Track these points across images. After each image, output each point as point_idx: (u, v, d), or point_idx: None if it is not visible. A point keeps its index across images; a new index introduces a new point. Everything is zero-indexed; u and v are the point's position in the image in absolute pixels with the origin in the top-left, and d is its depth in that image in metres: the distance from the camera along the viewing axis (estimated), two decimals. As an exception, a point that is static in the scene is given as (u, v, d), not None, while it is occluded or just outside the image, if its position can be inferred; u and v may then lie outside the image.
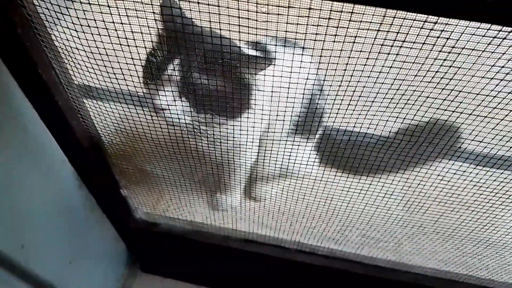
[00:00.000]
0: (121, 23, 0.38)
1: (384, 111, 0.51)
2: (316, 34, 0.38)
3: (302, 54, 0.43)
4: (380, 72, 0.44)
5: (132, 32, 0.40)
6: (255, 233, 0.86)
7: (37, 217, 0.54)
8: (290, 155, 0.65)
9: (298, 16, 0.37)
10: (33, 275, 0.54)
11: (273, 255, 0.85)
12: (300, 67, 0.42)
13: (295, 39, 0.45)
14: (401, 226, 0.78)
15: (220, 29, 0.38)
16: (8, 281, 0.51)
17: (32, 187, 0.52)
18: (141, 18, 0.39)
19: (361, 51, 0.39)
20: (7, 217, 0.48)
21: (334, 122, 0.55)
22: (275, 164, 0.72)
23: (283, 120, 0.54)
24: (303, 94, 0.62)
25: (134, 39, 0.41)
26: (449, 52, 0.40)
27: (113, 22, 0.38)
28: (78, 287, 0.71)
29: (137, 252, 0.96)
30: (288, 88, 0.46)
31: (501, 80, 0.43)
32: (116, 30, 0.39)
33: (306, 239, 0.84)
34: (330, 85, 0.48)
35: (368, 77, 0.44)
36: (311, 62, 0.65)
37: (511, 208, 0.66)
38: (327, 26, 0.37)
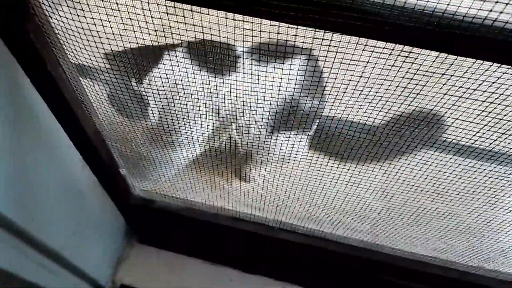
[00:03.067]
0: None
1: (371, 102, 0.55)
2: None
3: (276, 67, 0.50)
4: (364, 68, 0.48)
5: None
6: (242, 212, 0.94)
7: (46, 194, 0.61)
8: (280, 147, 0.72)
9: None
10: (42, 244, 0.62)
11: (258, 232, 0.93)
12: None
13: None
14: (378, 212, 0.85)
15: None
16: (21, 249, 0.59)
17: (42, 168, 0.59)
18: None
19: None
20: (21, 193, 0.55)
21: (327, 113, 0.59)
22: (264, 151, 0.80)
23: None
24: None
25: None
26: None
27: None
28: (81, 255, 0.79)
29: (135, 225, 1.04)
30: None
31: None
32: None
33: (288, 219, 0.92)
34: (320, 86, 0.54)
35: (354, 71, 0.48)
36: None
37: (480, 197, 0.72)
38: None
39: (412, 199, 0.79)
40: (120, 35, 0.48)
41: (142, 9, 0.43)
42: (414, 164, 0.71)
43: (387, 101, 0.55)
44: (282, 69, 0.54)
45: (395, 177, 0.75)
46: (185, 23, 0.45)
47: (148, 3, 0.43)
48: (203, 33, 0.46)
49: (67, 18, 0.45)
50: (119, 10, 0.45)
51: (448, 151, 0.67)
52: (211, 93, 0.74)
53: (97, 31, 0.48)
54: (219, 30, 0.44)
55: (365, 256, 0.90)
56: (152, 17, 0.43)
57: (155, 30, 0.46)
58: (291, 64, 0.57)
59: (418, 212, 0.82)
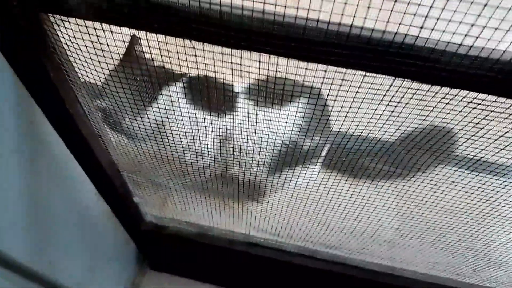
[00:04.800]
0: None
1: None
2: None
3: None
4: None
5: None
6: (257, 237, 0.92)
7: (62, 233, 0.59)
8: (292, 176, 0.70)
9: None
10: (59, 285, 0.60)
11: (274, 257, 0.91)
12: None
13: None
14: (397, 232, 0.83)
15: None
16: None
17: (58, 207, 0.57)
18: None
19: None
20: (38, 237, 0.52)
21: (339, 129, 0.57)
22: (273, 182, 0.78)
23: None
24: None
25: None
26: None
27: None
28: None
29: (147, 252, 1.01)
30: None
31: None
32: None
33: (306, 244, 0.90)
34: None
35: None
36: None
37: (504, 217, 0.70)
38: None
39: (429, 219, 0.77)
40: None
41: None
42: (430, 182, 0.70)
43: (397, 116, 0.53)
44: (286, 110, 0.53)
45: (410, 196, 0.72)
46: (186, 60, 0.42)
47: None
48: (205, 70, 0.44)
49: (89, 53, 0.43)
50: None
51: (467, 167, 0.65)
52: (212, 130, 0.72)
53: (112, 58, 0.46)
54: (220, 67, 0.42)
55: (386, 280, 0.87)
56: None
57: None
58: (295, 105, 0.56)
59: (437, 233, 0.80)
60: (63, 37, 0.44)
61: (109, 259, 0.82)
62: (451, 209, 0.73)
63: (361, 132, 0.54)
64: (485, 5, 0.29)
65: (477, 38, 0.31)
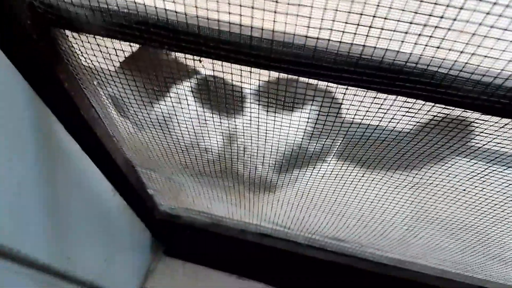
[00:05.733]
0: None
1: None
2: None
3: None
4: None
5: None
6: (269, 228, 0.93)
7: (79, 230, 0.61)
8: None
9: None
10: (77, 278, 0.63)
11: (285, 248, 0.93)
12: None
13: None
14: (409, 228, 0.83)
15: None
16: (58, 284, 0.59)
17: (76, 206, 0.59)
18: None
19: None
20: (57, 237, 0.55)
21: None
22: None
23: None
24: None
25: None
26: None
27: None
28: (111, 277, 0.80)
29: (162, 239, 1.05)
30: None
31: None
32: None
33: (316, 236, 0.91)
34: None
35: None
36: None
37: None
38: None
39: (442, 212, 0.77)
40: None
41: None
42: (445, 173, 0.69)
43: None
44: (297, 115, 0.52)
45: (424, 188, 0.72)
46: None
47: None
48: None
49: (104, 59, 0.44)
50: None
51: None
52: (219, 129, 0.72)
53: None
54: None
55: (395, 274, 0.88)
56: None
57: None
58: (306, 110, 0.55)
59: (451, 228, 0.80)
60: (76, 48, 0.44)
61: (126, 248, 0.86)
62: (466, 203, 0.72)
63: (374, 122, 0.53)
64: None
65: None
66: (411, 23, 0.29)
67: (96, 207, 0.65)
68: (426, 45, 0.29)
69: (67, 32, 0.42)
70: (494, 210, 0.71)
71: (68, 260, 0.58)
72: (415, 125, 0.54)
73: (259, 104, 0.71)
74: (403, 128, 0.55)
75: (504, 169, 0.60)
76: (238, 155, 0.78)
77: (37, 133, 0.47)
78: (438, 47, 0.29)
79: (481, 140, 0.53)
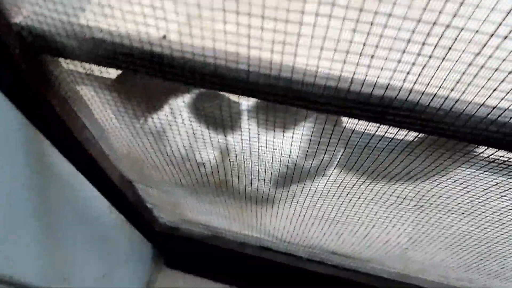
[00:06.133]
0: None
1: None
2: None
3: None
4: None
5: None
6: (269, 241, 0.93)
7: (75, 249, 0.61)
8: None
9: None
10: (74, 296, 0.62)
11: (285, 262, 0.92)
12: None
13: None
14: (411, 239, 0.82)
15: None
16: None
17: (71, 225, 0.59)
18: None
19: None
20: (51, 258, 0.55)
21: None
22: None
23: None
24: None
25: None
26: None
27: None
28: (111, 291, 0.80)
29: (162, 250, 1.05)
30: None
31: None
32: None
33: (317, 249, 0.90)
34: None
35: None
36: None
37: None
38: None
39: (445, 223, 0.76)
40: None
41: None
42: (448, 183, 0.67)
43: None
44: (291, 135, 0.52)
45: (427, 198, 0.71)
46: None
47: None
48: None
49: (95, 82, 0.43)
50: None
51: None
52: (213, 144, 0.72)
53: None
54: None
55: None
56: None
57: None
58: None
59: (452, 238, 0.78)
60: (66, 73, 0.44)
61: (125, 262, 0.85)
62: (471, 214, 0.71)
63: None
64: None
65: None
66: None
67: (92, 224, 0.65)
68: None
69: (56, 58, 0.42)
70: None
71: (64, 281, 0.58)
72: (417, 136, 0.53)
73: (253, 121, 0.70)
74: (404, 138, 0.54)
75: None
76: (232, 170, 0.78)
77: (29, 157, 0.47)
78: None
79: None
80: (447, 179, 0.67)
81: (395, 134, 0.39)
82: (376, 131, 0.52)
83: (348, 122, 0.44)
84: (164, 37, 0.37)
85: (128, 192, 0.72)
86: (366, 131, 0.54)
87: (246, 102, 0.73)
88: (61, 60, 0.42)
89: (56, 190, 0.54)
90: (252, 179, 0.80)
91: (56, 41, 0.37)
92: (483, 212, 0.69)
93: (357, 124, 0.44)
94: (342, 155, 0.67)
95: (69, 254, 0.59)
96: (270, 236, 0.91)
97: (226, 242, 0.94)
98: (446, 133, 0.32)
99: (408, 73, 0.28)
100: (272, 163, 0.63)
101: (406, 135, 0.49)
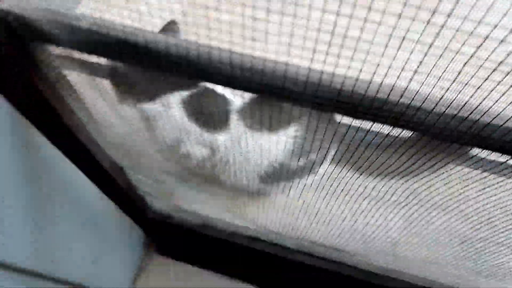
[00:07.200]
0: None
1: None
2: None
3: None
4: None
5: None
6: (259, 231, 0.94)
7: (65, 234, 0.62)
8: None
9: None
10: (62, 279, 0.63)
11: (274, 253, 0.93)
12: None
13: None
14: (401, 234, 0.83)
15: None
16: (43, 285, 0.60)
17: (61, 211, 0.60)
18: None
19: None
20: (41, 242, 0.55)
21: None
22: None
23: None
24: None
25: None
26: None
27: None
28: (101, 277, 0.81)
29: (153, 237, 1.06)
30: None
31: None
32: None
33: (307, 241, 0.91)
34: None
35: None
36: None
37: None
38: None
39: (435, 220, 0.77)
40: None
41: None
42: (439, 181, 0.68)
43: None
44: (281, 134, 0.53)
45: (418, 195, 0.72)
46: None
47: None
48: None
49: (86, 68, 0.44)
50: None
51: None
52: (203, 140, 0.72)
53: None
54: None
55: (384, 283, 0.88)
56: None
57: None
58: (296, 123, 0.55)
59: (442, 236, 0.79)
60: (55, 60, 0.44)
61: (114, 248, 0.86)
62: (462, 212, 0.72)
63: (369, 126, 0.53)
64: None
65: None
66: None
67: (83, 209, 0.66)
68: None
69: (44, 44, 0.42)
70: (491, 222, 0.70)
71: (52, 263, 0.59)
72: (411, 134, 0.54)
73: (243, 118, 0.71)
74: (399, 134, 0.55)
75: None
76: (221, 165, 0.78)
77: (17, 144, 0.47)
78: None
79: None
80: (436, 176, 0.67)
81: (379, 129, 0.39)
82: (359, 127, 0.53)
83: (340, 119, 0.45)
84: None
85: (119, 179, 0.73)
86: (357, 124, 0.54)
87: (236, 101, 0.73)
88: (48, 45, 0.42)
89: (46, 175, 0.54)
90: (238, 174, 0.81)
91: (43, 27, 0.37)
92: (475, 210, 0.70)
93: (341, 119, 0.45)
94: (327, 151, 0.67)
95: (59, 240, 0.60)
96: (260, 226, 0.92)
97: (217, 231, 0.95)
98: (420, 128, 0.32)
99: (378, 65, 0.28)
100: (261, 160, 0.63)
101: (390, 132, 0.50)
